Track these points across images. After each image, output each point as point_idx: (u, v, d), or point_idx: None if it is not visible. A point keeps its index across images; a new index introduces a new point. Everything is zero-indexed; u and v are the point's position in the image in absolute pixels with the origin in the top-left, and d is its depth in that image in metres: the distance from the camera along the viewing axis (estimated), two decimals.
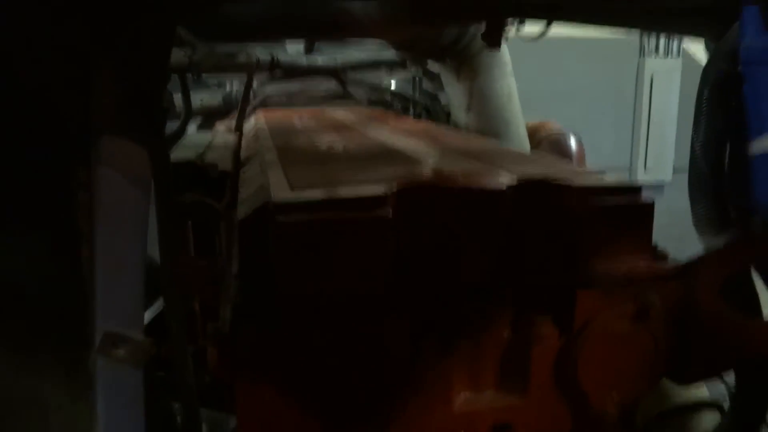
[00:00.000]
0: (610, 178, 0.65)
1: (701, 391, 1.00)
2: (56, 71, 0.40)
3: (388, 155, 0.82)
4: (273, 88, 1.85)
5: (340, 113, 1.51)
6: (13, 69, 0.39)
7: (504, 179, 0.63)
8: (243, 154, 0.96)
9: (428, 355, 0.58)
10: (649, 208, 0.62)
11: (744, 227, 0.80)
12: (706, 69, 0.83)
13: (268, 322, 0.52)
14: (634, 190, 0.63)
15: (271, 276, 0.53)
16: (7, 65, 0.40)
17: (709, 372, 0.68)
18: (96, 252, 0.41)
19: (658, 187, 4.38)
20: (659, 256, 0.65)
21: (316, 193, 0.56)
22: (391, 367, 0.55)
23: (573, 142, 1.54)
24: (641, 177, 4.43)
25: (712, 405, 0.99)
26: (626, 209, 0.62)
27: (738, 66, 0.78)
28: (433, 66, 1.60)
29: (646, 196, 0.63)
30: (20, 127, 0.40)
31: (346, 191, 0.56)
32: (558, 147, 1.52)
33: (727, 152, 0.80)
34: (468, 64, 1.36)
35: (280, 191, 0.57)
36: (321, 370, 0.54)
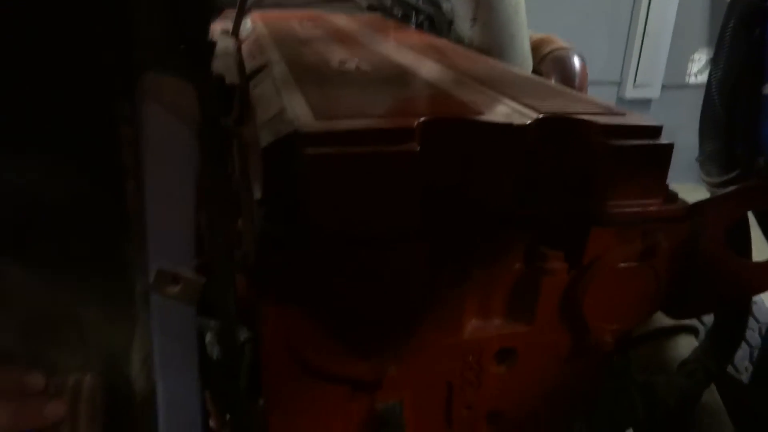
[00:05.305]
0: (632, 117, 0.65)
1: None
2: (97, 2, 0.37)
3: (403, 78, 0.80)
4: None
5: (340, 20, 1.45)
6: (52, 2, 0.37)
7: (527, 112, 0.63)
8: (248, 64, 0.93)
9: (445, 283, 0.60)
10: (667, 150, 0.63)
11: (748, 168, 0.81)
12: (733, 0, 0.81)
13: (296, 250, 0.53)
14: (655, 130, 0.64)
15: (299, 208, 0.53)
16: None
17: (703, 308, 0.72)
18: (145, 188, 0.40)
19: (645, 102, 4.37)
20: (670, 196, 0.66)
21: (342, 124, 0.55)
22: (410, 294, 0.57)
23: (577, 61, 1.51)
24: (629, 93, 4.38)
25: (688, 329, 1.04)
26: (646, 149, 0.62)
27: (766, 1, 0.76)
28: None
29: (665, 137, 0.63)
30: (61, 59, 0.38)
31: (374, 122, 0.55)
32: (561, 64, 1.49)
33: (744, 90, 0.80)
34: None
35: (305, 120, 0.56)
36: (345, 296, 0.55)
